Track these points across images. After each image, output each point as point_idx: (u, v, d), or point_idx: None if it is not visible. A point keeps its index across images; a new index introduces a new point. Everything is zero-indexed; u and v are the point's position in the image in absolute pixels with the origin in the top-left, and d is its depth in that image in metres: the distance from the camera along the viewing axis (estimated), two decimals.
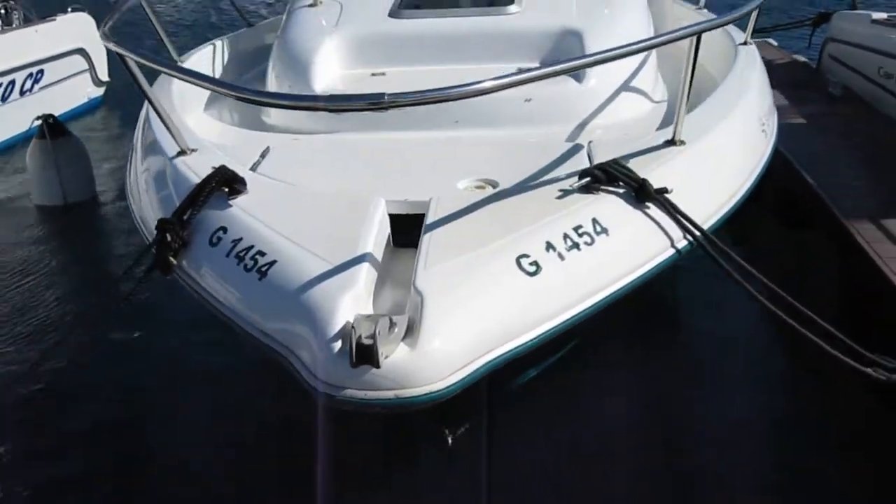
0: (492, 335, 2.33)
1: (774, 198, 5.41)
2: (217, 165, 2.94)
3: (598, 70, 4.02)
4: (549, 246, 2.54)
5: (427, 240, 2.55)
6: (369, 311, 2.32)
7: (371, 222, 2.68)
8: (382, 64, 4.42)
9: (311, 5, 5.00)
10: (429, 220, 2.65)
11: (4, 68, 8.26)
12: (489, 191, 3.00)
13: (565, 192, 2.81)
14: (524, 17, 4.56)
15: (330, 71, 4.40)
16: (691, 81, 3.14)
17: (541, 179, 3.00)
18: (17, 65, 8.51)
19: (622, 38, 3.50)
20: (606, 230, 2.68)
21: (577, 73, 4.05)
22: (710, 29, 3.20)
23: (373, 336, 2.08)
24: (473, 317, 2.31)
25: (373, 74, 4.36)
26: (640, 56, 4.21)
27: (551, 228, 2.61)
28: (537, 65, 4.15)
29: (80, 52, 9.68)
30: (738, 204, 3.40)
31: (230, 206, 2.85)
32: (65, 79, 9.37)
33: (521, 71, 2.86)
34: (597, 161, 3.03)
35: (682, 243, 2.85)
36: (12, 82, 8.43)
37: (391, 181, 3.23)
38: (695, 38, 3.07)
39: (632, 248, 2.76)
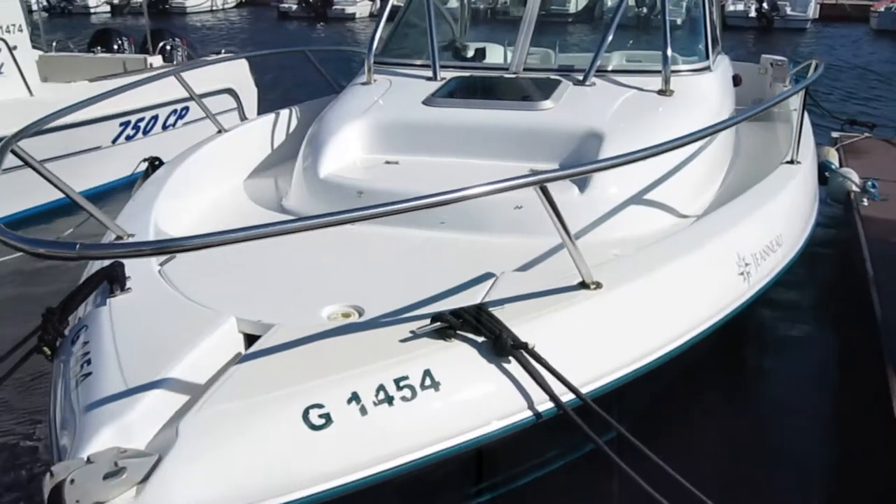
0: (246, 491, 2.14)
1: None
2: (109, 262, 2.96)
3: (606, 178, 3.70)
4: (355, 398, 2.29)
5: (229, 374, 2.34)
6: (130, 444, 2.21)
7: (207, 341, 2.58)
8: (402, 151, 4.33)
9: (364, 83, 5.01)
10: (252, 349, 2.47)
11: (146, 104, 8.94)
12: (346, 320, 2.83)
13: (414, 335, 2.51)
14: (554, 115, 4.29)
15: (348, 155, 4.35)
16: None
17: (410, 314, 2.70)
18: (161, 101, 9.18)
19: (645, 144, 3.24)
20: (437, 385, 2.39)
21: (581, 180, 3.75)
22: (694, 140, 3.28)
23: (61, 483, 1.97)
24: (226, 468, 2.11)
25: (387, 162, 4.28)
26: (675, 163, 3.85)
27: (369, 377, 2.34)
28: (556, 166, 3.90)
29: (229, 91, 10.32)
30: (653, 366, 2.91)
31: (103, 304, 2.84)
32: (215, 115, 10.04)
33: (534, 172, 2.80)
34: (492, 296, 2.75)
35: (543, 406, 2.51)
36: (155, 117, 9.12)
37: (286, 292, 3.14)
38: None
39: (468, 408, 2.43)
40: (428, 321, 2.52)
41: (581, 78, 4.62)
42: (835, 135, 9.12)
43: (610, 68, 4.84)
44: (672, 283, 3.08)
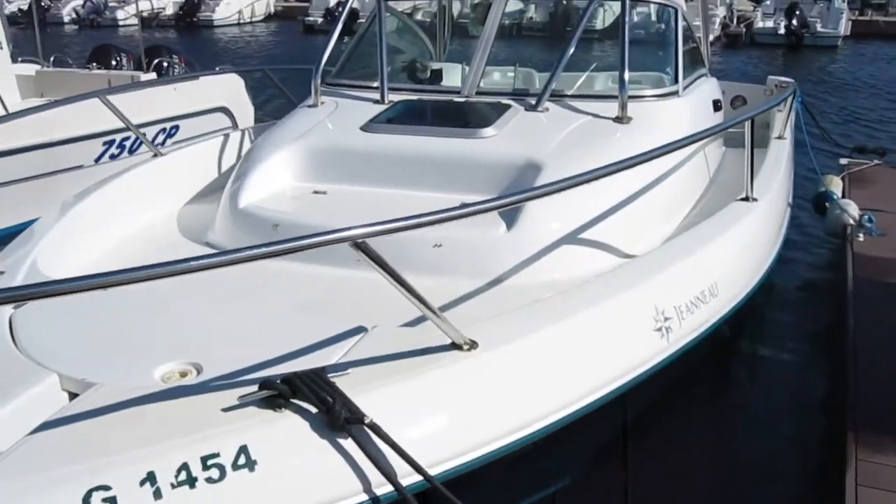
0: None
1: None
2: None
3: (537, 213, 3.44)
4: (150, 479, 2.01)
5: (17, 447, 2.06)
6: None
7: (22, 398, 2.36)
8: (334, 180, 4.09)
9: (310, 105, 4.80)
10: (55, 415, 2.19)
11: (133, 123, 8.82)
12: (181, 380, 2.57)
13: (240, 404, 2.23)
14: (494, 144, 4.02)
15: (277, 183, 4.12)
16: None
17: (248, 376, 2.39)
18: (149, 120, 9.04)
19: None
20: (252, 464, 2.11)
21: (509, 216, 3.49)
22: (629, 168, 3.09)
23: None
24: None
25: (315, 192, 4.04)
26: (621, 197, 3.58)
27: (172, 454, 2.07)
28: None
29: (223, 110, 10.18)
30: (533, 439, 2.59)
31: None
32: (202, 136, 9.91)
33: (463, 206, 2.60)
34: (352, 355, 2.47)
35: (382, 490, 2.22)
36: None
37: (131, 344, 2.89)
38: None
39: (287, 492, 2.15)
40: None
41: (535, 102, 4.35)
42: (843, 161, 8.73)
43: (569, 92, 4.57)
44: (566, 342, 2.75)
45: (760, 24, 27.15)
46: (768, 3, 28.25)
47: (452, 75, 5.23)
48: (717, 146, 5.49)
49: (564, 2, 5.74)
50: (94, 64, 10.60)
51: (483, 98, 4.54)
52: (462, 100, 4.55)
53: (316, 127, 4.39)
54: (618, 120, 4.20)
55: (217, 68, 10.14)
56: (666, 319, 3.08)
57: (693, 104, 4.74)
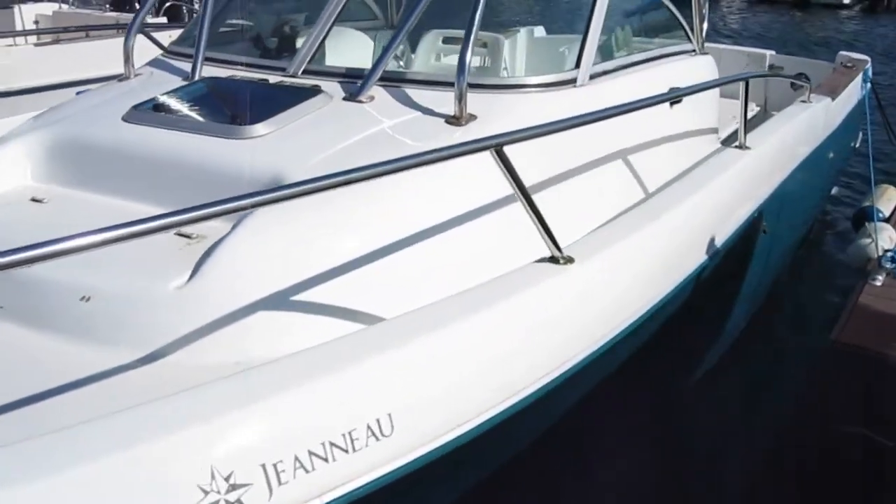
0: None
1: None
2: None
3: (234, 259, 2.47)
4: None
5: None
6: None
7: None
8: (67, 182, 3.19)
9: (121, 78, 3.87)
10: None
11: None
12: None
13: None
14: (253, 149, 3.00)
15: (10, 181, 3.27)
16: None
17: None
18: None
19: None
20: None
21: (202, 259, 2.52)
22: None
23: None
24: None
25: (33, 199, 3.16)
26: (377, 244, 2.57)
27: None
28: (228, 227, 2.69)
29: None
30: None
31: None
32: None
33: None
34: None
35: None
36: None
37: None
38: None
39: None
40: None
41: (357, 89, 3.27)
42: None
43: (413, 76, 3.48)
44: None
45: None
46: None
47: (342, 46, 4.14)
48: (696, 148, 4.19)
49: None
50: (107, 6, 10.09)
51: (305, 79, 3.48)
52: (278, 80, 3.51)
53: (84, 110, 3.49)
54: (452, 121, 3.08)
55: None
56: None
57: (606, 98, 3.46)
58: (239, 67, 3.63)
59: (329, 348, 2.19)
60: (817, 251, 6.68)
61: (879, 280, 4.74)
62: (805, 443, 3.57)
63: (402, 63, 4.36)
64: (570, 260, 2.71)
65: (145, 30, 5.30)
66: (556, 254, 2.70)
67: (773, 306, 5.24)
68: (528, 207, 2.60)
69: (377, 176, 2.22)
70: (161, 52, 4.13)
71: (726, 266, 3.79)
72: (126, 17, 9.60)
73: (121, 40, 4.10)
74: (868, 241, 5.01)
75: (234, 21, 4.37)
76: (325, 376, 2.08)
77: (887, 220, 5.90)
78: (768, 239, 4.30)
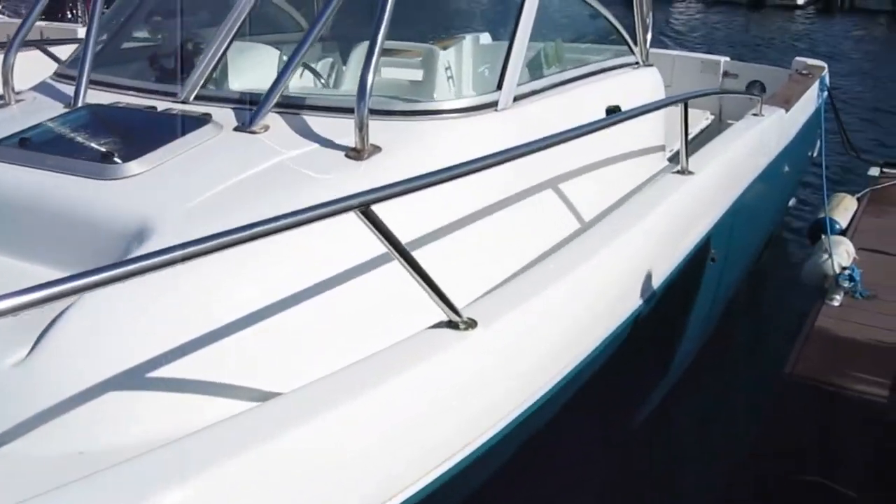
0: None
1: None
2: None
3: (83, 332, 2.11)
4: None
5: None
6: None
7: None
8: None
9: (3, 105, 3.46)
10: None
11: None
12: None
13: None
14: (122, 191, 2.61)
15: None
16: None
17: None
18: None
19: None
20: None
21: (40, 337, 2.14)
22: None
23: None
24: None
25: None
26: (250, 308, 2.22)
27: None
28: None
29: None
30: None
31: None
32: None
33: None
34: None
35: None
36: None
37: None
38: None
39: None
40: None
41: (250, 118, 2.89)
42: (873, 172, 6.94)
43: (315, 102, 3.04)
44: None
45: None
46: None
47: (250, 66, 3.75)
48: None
49: None
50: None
51: (196, 106, 3.11)
52: (167, 107, 3.13)
53: None
54: (353, 154, 2.73)
55: None
56: None
57: (533, 123, 3.14)
58: (128, 92, 3.25)
59: (201, 439, 1.84)
60: (772, 269, 6.42)
61: (837, 300, 4.51)
62: (757, 483, 3.29)
63: (324, 81, 4.02)
64: (471, 324, 2.32)
65: (42, 43, 4.88)
66: (454, 318, 2.28)
67: (726, 334, 4.96)
68: (410, 269, 2.18)
69: (217, 249, 1.83)
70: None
71: (670, 302, 3.49)
72: (55, 26, 9.15)
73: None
74: (825, 257, 4.77)
75: (136, 35, 4.00)
76: (194, 478, 1.73)
77: (844, 232, 5.68)
78: (717, 267, 4.01)
